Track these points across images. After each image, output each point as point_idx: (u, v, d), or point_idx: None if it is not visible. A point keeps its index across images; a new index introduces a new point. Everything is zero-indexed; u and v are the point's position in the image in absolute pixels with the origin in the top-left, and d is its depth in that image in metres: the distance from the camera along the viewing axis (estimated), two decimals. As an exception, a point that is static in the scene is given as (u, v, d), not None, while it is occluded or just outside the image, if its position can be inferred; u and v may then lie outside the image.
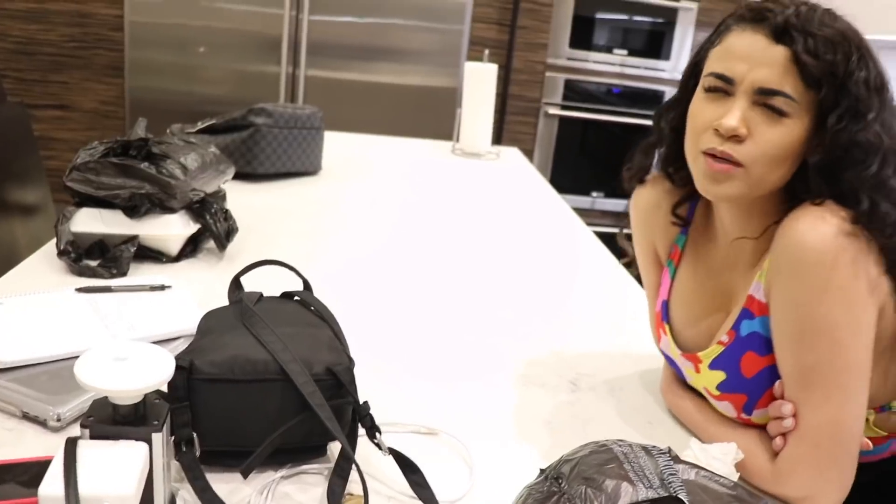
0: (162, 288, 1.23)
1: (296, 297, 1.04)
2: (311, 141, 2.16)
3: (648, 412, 1.13)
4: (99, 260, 1.37)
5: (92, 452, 0.66)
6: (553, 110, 3.97)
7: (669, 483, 0.76)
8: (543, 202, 2.30)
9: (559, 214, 2.17)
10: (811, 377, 0.90)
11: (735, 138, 0.89)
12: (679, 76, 1.06)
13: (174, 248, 1.46)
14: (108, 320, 1.11)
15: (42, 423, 0.90)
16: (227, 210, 1.56)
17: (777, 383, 0.95)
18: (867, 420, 0.97)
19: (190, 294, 1.23)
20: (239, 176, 2.01)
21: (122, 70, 3.42)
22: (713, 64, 0.93)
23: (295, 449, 0.89)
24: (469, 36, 3.55)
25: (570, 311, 1.49)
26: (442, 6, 3.45)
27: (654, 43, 4.04)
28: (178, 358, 0.82)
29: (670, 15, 3.99)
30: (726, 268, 1.05)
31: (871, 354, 0.89)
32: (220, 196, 1.63)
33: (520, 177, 2.58)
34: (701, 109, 0.94)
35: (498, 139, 3.93)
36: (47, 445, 0.87)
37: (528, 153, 3.98)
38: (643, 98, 4.06)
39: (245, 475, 0.82)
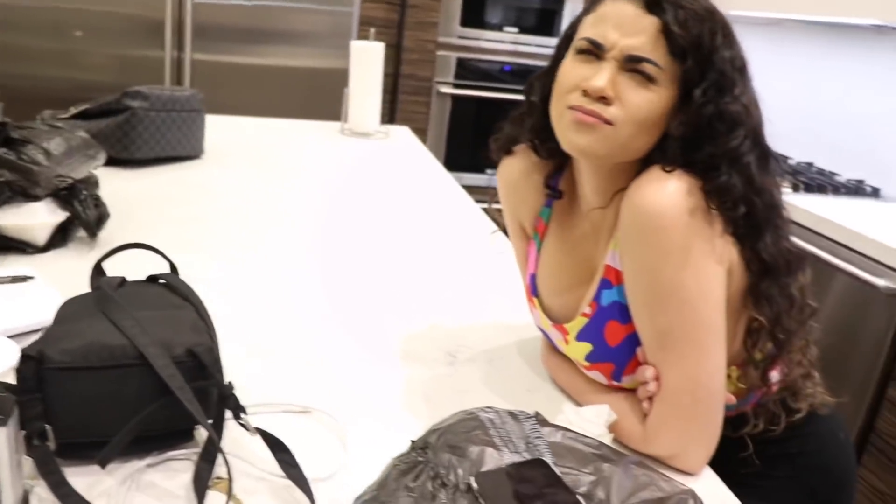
0: (24, 279, 1.18)
1: (161, 281, 1.01)
2: (192, 124, 2.09)
3: (527, 380, 1.14)
4: (-44, 253, 1.30)
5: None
6: (445, 89, 3.97)
7: (535, 446, 0.77)
8: (432, 179, 2.29)
9: (447, 191, 2.17)
10: (666, 339, 0.92)
11: (603, 100, 0.91)
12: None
13: (41, 237, 1.39)
14: (-38, 314, 1.06)
15: None
16: (97, 196, 1.50)
17: (639, 349, 0.97)
18: (730, 376, 1.00)
19: (53, 285, 1.18)
20: (116, 162, 1.94)
21: (-10, 57, 3.24)
22: (586, 30, 0.95)
23: (161, 435, 0.86)
24: (359, 16, 3.50)
25: (454, 286, 1.50)
26: (330, -14, 3.40)
27: (546, 20, 4.07)
28: (27, 348, 0.79)
29: (560, -8, 4.03)
30: (588, 239, 1.07)
31: (723, 313, 0.92)
32: (91, 182, 1.56)
33: (409, 155, 2.57)
34: (569, 70, 0.95)
35: (391, 119, 3.91)
36: None
37: (422, 132, 3.97)
38: (536, 75, 4.08)
39: (103, 465, 0.79)
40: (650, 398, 0.95)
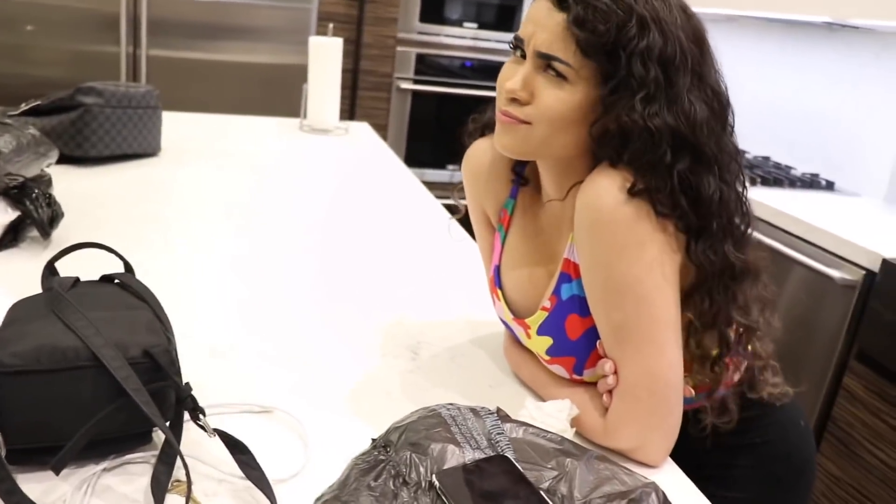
0: (-26, 280, 1.15)
1: (116, 281, 0.99)
2: (148, 121, 2.06)
3: (489, 375, 1.14)
4: None
5: None
6: (406, 85, 3.95)
7: (497, 442, 0.77)
8: (392, 175, 2.28)
9: (408, 187, 2.16)
10: (622, 333, 0.92)
11: (516, 101, 0.92)
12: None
13: (-9, 237, 1.36)
14: None
15: None
16: (50, 195, 1.46)
17: (599, 342, 0.97)
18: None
19: (4, 286, 1.15)
20: (70, 159, 1.90)
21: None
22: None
23: (117, 438, 0.84)
24: (317, 12, 3.47)
25: (415, 281, 1.49)
26: (288, -19, 3.37)
27: (505, 16, 4.07)
28: (-26, 352, 0.76)
29: (519, -12, 4.04)
30: (551, 231, 1.07)
31: (678, 306, 0.92)
32: (43, 180, 1.53)
33: (369, 151, 2.56)
34: (503, 71, 0.97)
35: (351, 115, 3.89)
36: None
37: (382, 128, 3.96)
38: (496, 71, 4.02)
39: (57, 471, 0.77)
40: (610, 392, 0.95)
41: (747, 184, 0.96)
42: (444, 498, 0.67)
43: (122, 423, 0.81)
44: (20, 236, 1.42)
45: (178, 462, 0.81)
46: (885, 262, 1.97)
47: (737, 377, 1.06)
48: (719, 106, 0.92)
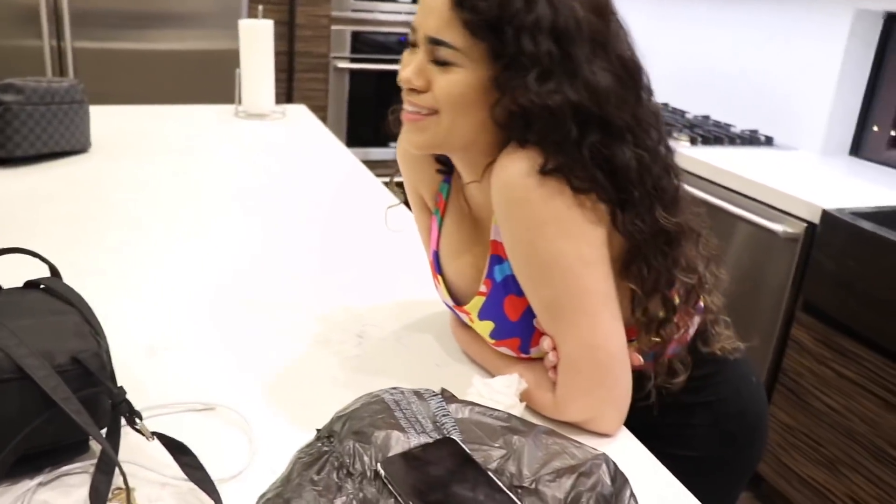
0: None
1: (41, 286, 0.95)
2: (74, 116, 1.99)
3: (436, 356, 1.12)
4: None
5: None
6: (343, 64, 3.89)
7: (442, 425, 0.75)
8: (332, 157, 2.24)
9: (348, 168, 2.13)
10: (555, 309, 0.91)
11: (413, 91, 0.90)
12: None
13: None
14: None
15: None
16: (-28, 200, 1.41)
17: (535, 320, 0.96)
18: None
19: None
20: (-7, 162, 1.83)
21: None
22: None
23: (51, 450, 0.81)
24: (248, -6, 3.40)
25: (358, 265, 1.47)
26: (215, -36, 3.28)
27: (439, -11, 4.02)
28: None
29: (451, -41, 3.98)
30: (480, 215, 1.05)
31: (610, 276, 0.91)
32: (-36, 185, 1.47)
33: (307, 134, 2.51)
34: (401, 63, 0.94)
35: (289, 98, 3.82)
36: None
37: (322, 109, 3.90)
38: (433, 45, 4.03)
39: (-13, 489, 0.74)
40: (555, 368, 0.95)
41: (672, 146, 0.94)
42: (389, 486, 0.65)
43: (54, 434, 0.78)
44: (-57, 245, 1.36)
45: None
46: (824, 213, 2.00)
47: (692, 332, 1.05)
48: (627, 74, 0.89)
